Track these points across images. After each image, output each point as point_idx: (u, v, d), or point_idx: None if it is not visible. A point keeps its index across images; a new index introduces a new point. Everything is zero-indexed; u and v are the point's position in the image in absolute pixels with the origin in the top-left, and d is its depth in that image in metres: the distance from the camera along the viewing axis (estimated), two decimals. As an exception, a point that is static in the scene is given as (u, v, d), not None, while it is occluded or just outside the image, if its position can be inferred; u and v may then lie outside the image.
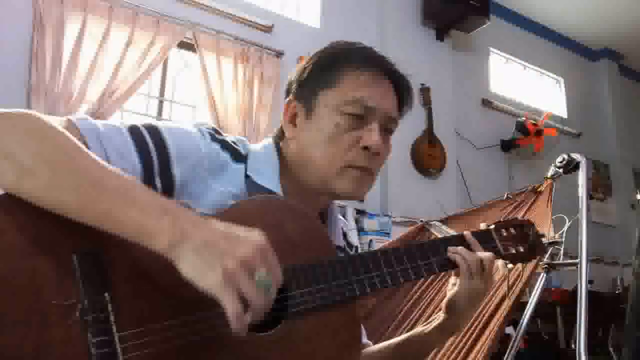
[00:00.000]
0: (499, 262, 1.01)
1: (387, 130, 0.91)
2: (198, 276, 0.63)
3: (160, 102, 3.33)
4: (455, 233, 1.01)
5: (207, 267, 0.63)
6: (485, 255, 0.93)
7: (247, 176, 0.85)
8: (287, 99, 0.93)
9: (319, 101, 0.89)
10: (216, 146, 0.83)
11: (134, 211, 0.64)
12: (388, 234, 3.38)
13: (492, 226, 1.02)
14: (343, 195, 0.89)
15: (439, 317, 0.99)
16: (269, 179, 0.87)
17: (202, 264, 0.63)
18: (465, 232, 0.96)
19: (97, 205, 0.64)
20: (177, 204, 0.69)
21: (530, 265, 1.47)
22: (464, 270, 0.91)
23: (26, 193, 0.64)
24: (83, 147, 0.68)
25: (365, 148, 0.86)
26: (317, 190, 0.89)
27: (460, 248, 0.93)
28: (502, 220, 1.04)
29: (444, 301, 0.98)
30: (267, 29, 3.52)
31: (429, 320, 1.02)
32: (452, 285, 0.96)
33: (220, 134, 0.86)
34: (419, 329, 1.03)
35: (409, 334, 1.04)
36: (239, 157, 0.86)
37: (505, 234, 1.02)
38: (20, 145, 0.64)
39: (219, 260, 0.63)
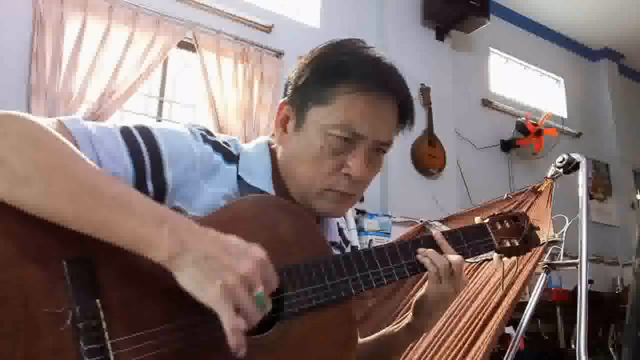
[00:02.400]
0: (494, 256, 1.02)
1: (378, 149, 0.87)
2: (197, 289, 0.63)
3: (160, 102, 3.33)
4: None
5: (207, 280, 0.63)
6: (454, 258, 0.91)
7: (239, 177, 0.84)
8: (282, 100, 0.90)
9: (310, 115, 0.85)
10: (208, 147, 0.82)
11: (132, 221, 0.63)
12: (388, 234, 3.37)
13: (487, 220, 1.02)
14: (321, 213, 0.88)
15: (408, 316, 0.99)
16: (261, 179, 0.86)
17: (202, 277, 0.63)
18: (435, 232, 0.94)
19: (94, 214, 0.63)
20: (174, 212, 0.68)
21: (531, 264, 1.47)
22: (432, 274, 0.90)
23: (20, 202, 0.62)
24: (78, 152, 0.67)
25: (347, 174, 0.84)
26: (298, 202, 0.88)
27: (429, 251, 0.90)
28: (496, 214, 1.04)
29: (413, 301, 0.98)
30: (267, 29, 3.52)
31: (398, 320, 1.02)
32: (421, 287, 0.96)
33: (211, 134, 0.85)
34: (389, 328, 1.03)
35: (380, 333, 1.04)
36: (231, 157, 0.85)
37: (499, 227, 1.02)
38: (14, 152, 0.62)
39: (220, 275, 0.63)
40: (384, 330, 1.04)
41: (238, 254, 0.65)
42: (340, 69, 0.84)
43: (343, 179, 0.84)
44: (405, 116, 0.91)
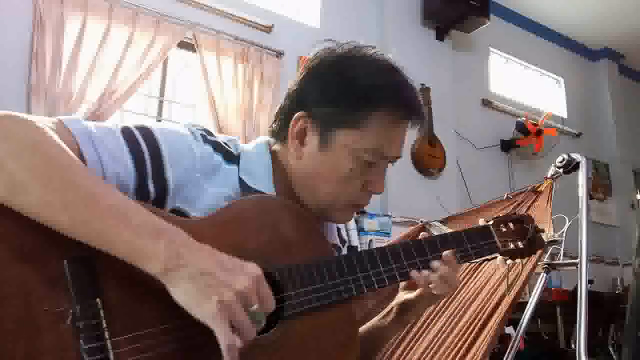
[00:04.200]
0: (498, 258, 1.01)
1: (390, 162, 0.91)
2: (193, 304, 0.64)
3: (160, 102, 3.33)
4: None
5: (202, 296, 0.63)
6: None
7: (240, 177, 0.84)
8: (300, 113, 0.86)
9: (339, 138, 0.84)
10: (208, 148, 0.82)
11: (127, 232, 0.63)
12: (388, 234, 3.37)
13: (491, 222, 1.01)
14: (333, 222, 0.93)
15: (393, 311, 1.00)
16: (262, 180, 0.86)
17: (197, 293, 0.63)
18: (445, 254, 0.91)
19: (90, 225, 0.63)
20: (171, 225, 0.68)
21: (531, 264, 1.47)
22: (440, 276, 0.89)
23: (18, 207, 0.62)
24: (76, 159, 0.67)
25: (372, 191, 0.88)
26: (311, 210, 0.89)
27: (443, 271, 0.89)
28: (500, 215, 1.04)
29: (403, 298, 0.98)
30: (267, 29, 3.52)
31: (384, 313, 1.02)
32: (407, 285, 0.96)
33: (211, 134, 0.85)
34: (375, 321, 1.03)
35: (368, 325, 1.04)
36: (231, 157, 0.85)
37: (504, 229, 1.01)
38: (13, 157, 0.62)
39: (216, 290, 0.63)
40: (370, 324, 1.04)
41: (234, 270, 0.65)
42: (374, 95, 0.84)
43: (366, 195, 0.89)
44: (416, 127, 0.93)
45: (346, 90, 0.84)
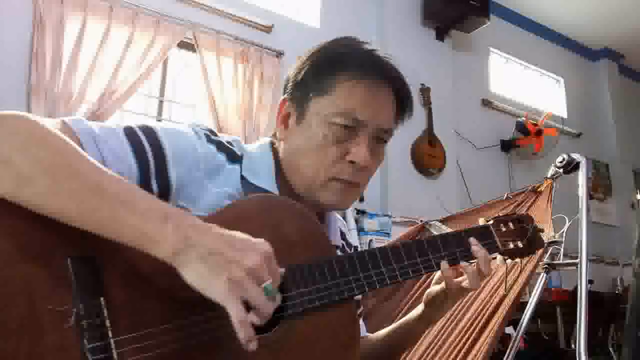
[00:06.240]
0: (498, 258, 1.01)
1: (379, 139, 0.89)
2: (203, 284, 0.63)
3: (160, 102, 3.33)
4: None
5: (213, 275, 0.63)
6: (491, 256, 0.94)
7: (242, 177, 0.85)
8: (282, 98, 0.91)
9: (311, 107, 0.87)
10: (212, 147, 0.83)
11: (135, 218, 0.63)
12: (388, 234, 3.38)
13: (491, 221, 1.01)
14: (327, 206, 0.88)
15: (419, 307, 1.01)
16: (264, 179, 0.87)
17: (208, 272, 0.63)
18: (474, 247, 0.94)
19: (98, 212, 0.63)
20: (178, 208, 0.68)
21: (531, 264, 1.47)
22: (471, 270, 0.91)
23: (25, 201, 0.62)
24: (81, 151, 0.67)
25: (352, 162, 0.85)
26: (303, 197, 0.88)
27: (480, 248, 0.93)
28: (500, 215, 1.04)
29: (427, 292, 0.99)
30: (267, 29, 3.52)
31: (411, 313, 1.04)
32: (439, 279, 0.97)
33: (215, 134, 0.86)
34: (403, 319, 1.05)
35: (395, 325, 1.06)
36: (235, 157, 0.85)
37: (504, 229, 1.01)
38: (18, 152, 0.62)
39: (226, 269, 0.63)
40: (398, 322, 1.06)
41: (244, 248, 0.65)
42: (338, 59, 0.87)
43: (347, 167, 0.86)
44: (404, 105, 0.93)
45: (313, 63, 0.88)
